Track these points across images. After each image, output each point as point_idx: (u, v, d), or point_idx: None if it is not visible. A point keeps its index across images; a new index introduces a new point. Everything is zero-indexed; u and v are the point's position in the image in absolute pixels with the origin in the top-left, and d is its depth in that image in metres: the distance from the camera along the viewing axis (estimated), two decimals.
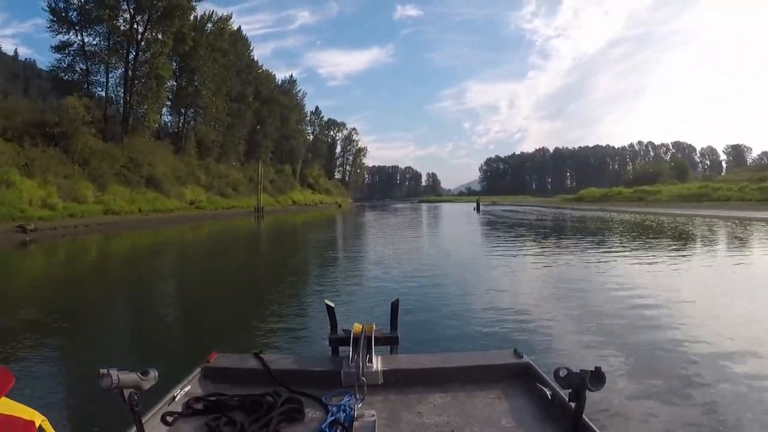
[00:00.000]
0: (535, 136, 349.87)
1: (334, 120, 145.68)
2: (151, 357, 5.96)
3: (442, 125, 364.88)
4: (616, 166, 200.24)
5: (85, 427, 3.77)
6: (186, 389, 1.89)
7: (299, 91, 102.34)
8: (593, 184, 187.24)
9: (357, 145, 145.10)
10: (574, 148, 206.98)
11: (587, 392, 1.40)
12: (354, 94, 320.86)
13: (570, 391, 1.45)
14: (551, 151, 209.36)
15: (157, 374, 1.44)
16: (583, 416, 1.46)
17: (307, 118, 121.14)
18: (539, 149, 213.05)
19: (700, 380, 4.63)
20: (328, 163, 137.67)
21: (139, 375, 1.38)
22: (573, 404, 1.46)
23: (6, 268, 15.79)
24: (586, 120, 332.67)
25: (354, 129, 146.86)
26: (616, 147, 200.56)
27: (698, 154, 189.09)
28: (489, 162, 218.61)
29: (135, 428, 1.40)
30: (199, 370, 2.07)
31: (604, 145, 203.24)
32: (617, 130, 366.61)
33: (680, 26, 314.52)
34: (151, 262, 17.43)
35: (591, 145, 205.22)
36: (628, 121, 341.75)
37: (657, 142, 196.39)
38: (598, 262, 14.00)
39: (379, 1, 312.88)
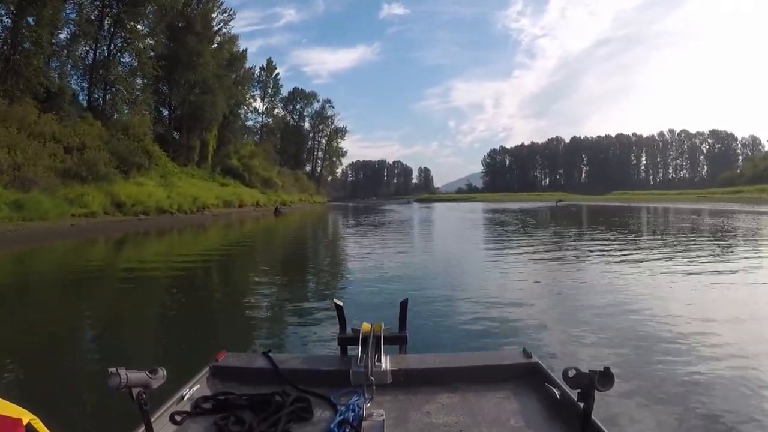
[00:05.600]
0: (519, 135, 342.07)
1: (301, 90, 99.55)
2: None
3: (427, 124, 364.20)
4: (643, 158, 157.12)
5: (92, 426, 3.37)
6: (194, 388, 1.75)
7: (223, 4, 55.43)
8: (616, 178, 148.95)
9: (333, 123, 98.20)
10: (592, 137, 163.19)
11: (596, 393, 1.30)
12: (339, 93, 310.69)
13: (579, 391, 1.34)
14: (567, 140, 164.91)
15: (165, 373, 1.34)
16: (592, 416, 1.35)
17: (255, 74, 74.73)
18: (552, 139, 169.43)
19: None
20: (294, 148, 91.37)
21: (148, 374, 1.30)
22: (582, 404, 1.35)
23: None
24: (571, 119, 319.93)
25: (328, 101, 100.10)
26: (644, 136, 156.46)
27: (739, 144, 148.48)
28: (492, 154, 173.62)
29: (143, 427, 1.32)
30: (207, 369, 1.90)
31: (629, 133, 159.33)
32: (624, 121, 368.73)
33: (668, 26, 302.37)
34: None
35: (613, 134, 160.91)
36: (637, 111, 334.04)
37: (692, 131, 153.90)
38: None
39: None
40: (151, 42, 45.89)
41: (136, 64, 44.22)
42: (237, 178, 49.23)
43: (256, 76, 78.50)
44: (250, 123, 77.49)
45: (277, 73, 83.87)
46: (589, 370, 1.29)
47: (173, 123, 53.23)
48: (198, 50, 50.60)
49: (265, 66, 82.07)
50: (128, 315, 7.16)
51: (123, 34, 43.18)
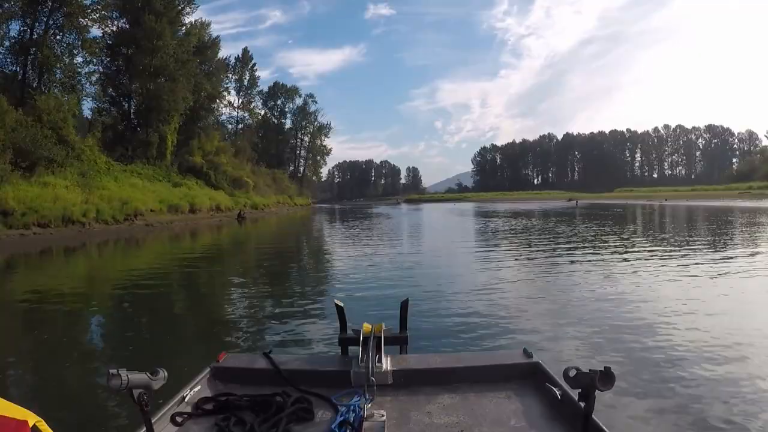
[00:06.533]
0: (506, 134, 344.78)
1: (282, 84, 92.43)
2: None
3: (414, 125, 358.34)
4: (638, 155, 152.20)
5: (94, 427, 3.41)
6: (195, 389, 1.74)
7: None
8: (610, 175, 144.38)
9: (316, 120, 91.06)
10: (585, 134, 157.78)
11: (597, 392, 1.30)
12: (326, 94, 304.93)
13: (580, 391, 1.34)
14: (559, 138, 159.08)
15: (166, 374, 1.34)
16: (593, 416, 1.35)
17: (229, 64, 67.69)
18: (544, 136, 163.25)
19: None
20: (275, 147, 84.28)
21: (149, 375, 1.29)
22: (582, 404, 1.35)
23: None
24: (558, 118, 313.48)
25: (311, 95, 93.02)
26: (639, 132, 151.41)
27: (736, 140, 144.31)
28: (483, 152, 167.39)
29: (144, 428, 1.31)
30: (208, 370, 1.90)
31: (623, 129, 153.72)
32: (613, 119, 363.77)
33: (655, 24, 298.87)
34: None
35: (607, 130, 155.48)
36: (628, 109, 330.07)
37: (688, 126, 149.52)
38: None
39: None
40: (96, 17, 38.95)
41: (79, 43, 37.43)
42: (201, 177, 41.88)
43: (230, 67, 71.56)
44: (224, 118, 70.57)
45: (254, 64, 76.54)
46: (590, 370, 1.28)
47: (135, 117, 46.27)
48: (157, 31, 43.57)
49: (240, 56, 74.78)
50: None
51: (64, 9, 36.11)
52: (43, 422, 1.00)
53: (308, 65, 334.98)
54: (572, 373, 1.32)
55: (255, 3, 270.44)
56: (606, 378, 1.25)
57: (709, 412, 3.40)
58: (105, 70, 46.53)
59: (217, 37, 62.10)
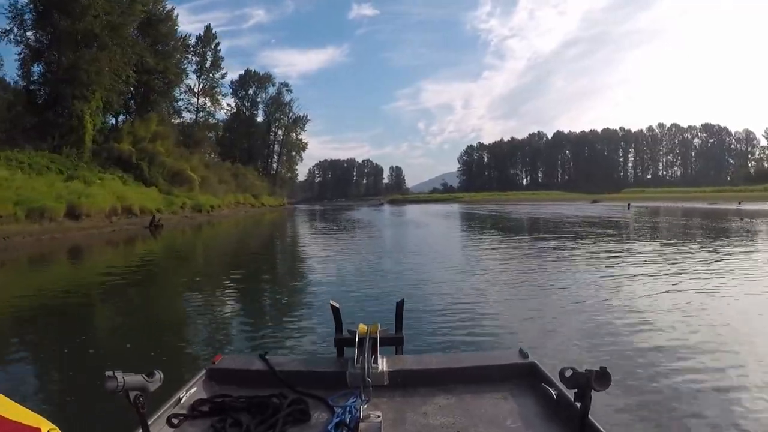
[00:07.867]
0: (489, 136, 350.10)
1: (254, 72, 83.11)
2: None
3: (397, 125, 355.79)
4: (631, 155, 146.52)
5: (90, 429, 3.38)
6: (191, 391, 1.74)
7: None
8: (602, 175, 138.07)
9: (291, 111, 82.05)
10: (576, 132, 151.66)
11: (593, 392, 1.31)
12: (309, 94, 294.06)
13: (576, 391, 1.34)
14: (549, 136, 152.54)
15: (162, 376, 1.34)
16: (589, 416, 1.35)
17: (188, 41, 58.49)
18: (534, 134, 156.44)
19: None
20: (247, 141, 75.41)
21: (145, 377, 1.30)
22: (579, 404, 1.35)
23: None
24: (541, 119, 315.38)
25: (285, 84, 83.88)
26: (633, 131, 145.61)
27: (733, 139, 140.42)
28: (469, 151, 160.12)
29: (140, 430, 1.32)
30: (204, 372, 1.89)
31: (616, 128, 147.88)
32: (601, 119, 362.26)
33: (638, 25, 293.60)
34: None
35: (599, 129, 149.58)
36: (615, 109, 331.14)
37: (684, 125, 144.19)
38: None
39: None
40: None
41: None
42: (130, 170, 32.73)
43: (191, 47, 62.32)
44: (182, 105, 61.42)
45: (218, 43, 67.23)
46: (586, 370, 1.28)
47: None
48: None
49: (202, 34, 65.37)
50: None
51: None
52: (57, 430, 0.97)
53: (291, 65, 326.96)
54: (568, 373, 1.32)
55: (238, 2, 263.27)
56: (602, 378, 1.24)
57: (707, 413, 3.33)
58: (35, 44, 37.88)
59: (173, 8, 53.04)
